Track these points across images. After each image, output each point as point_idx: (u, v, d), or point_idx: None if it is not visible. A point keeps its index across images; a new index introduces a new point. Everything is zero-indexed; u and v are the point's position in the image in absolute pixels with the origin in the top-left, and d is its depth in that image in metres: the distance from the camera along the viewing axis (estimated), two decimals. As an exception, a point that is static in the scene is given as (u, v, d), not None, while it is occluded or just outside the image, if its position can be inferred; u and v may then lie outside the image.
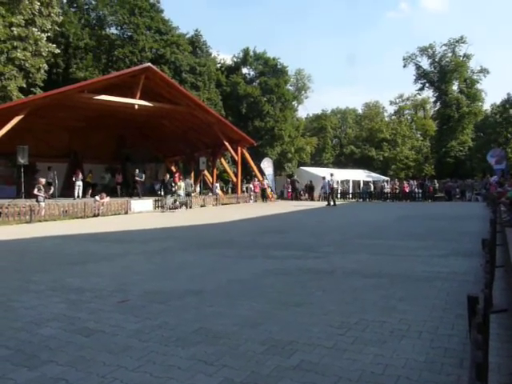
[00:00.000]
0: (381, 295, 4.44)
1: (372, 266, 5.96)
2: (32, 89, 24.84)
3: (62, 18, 27.42)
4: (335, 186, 22.10)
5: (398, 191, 28.90)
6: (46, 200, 15.14)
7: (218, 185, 25.99)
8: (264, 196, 25.87)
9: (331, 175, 22.02)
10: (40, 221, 14.19)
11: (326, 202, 22.72)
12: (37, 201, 14.80)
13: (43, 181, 15.71)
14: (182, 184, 21.76)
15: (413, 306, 4.02)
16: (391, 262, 6.23)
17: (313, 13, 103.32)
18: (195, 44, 38.66)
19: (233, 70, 44.96)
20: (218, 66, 44.27)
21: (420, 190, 28.03)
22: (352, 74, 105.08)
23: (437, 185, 29.96)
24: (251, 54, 45.04)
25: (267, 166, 29.97)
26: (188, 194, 21.22)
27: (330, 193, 22.09)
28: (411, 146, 53.33)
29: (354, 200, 27.85)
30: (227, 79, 42.77)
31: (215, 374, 2.69)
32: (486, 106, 51.97)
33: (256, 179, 27.16)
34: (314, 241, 8.81)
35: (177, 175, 25.88)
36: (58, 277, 5.71)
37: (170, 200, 19.23)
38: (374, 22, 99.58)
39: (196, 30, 40.25)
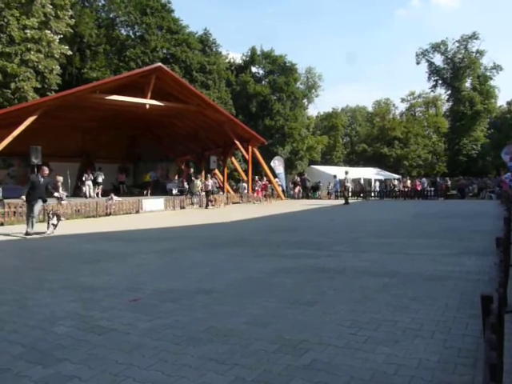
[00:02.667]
0: (393, 294, 4.40)
1: (384, 265, 5.92)
2: (48, 93, 25.12)
3: (74, 20, 27.71)
4: (348, 184, 21.83)
5: (408, 189, 28.63)
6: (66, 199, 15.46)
7: (245, 185, 26.15)
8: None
9: (346, 173, 21.82)
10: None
11: (336, 201, 22.62)
12: (57, 199, 15.06)
13: (61, 179, 15.90)
14: (197, 182, 21.41)
15: (425, 306, 3.98)
16: (403, 261, 6.17)
17: (322, 12, 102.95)
18: (205, 43, 38.79)
19: (242, 69, 45.05)
20: (228, 65, 44.37)
21: (432, 188, 27.75)
22: (362, 71, 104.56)
23: (449, 182, 29.64)
24: (258, 52, 45.05)
25: (278, 164, 29.95)
26: (212, 193, 21.33)
27: (342, 191, 21.98)
28: (423, 144, 52.77)
29: (365, 199, 27.64)
30: (237, 78, 42.85)
31: (226, 373, 2.69)
32: (500, 103, 51.32)
33: (265, 178, 27.23)
34: (325, 239, 8.77)
35: (188, 174, 26.06)
36: (70, 275, 5.77)
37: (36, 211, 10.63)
38: (385, 20, 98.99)
39: (205, 29, 40.45)
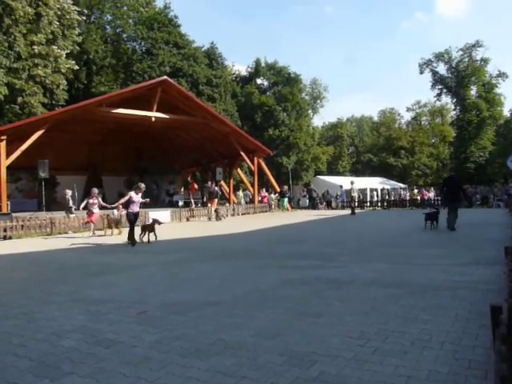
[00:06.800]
0: (401, 305, 4.36)
1: (392, 276, 5.87)
2: (55, 108, 25.45)
3: (81, 37, 28.16)
4: (354, 194, 21.74)
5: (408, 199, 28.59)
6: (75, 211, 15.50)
7: (274, 196, 26.48)
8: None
9: (352, 183, 21.75)
10: (60, 233, 14.43)
11: (342, 211, 22.54)
12: (66, 212, 15.18)
13: (69, 192, 15.99)
14: (240, 193, 25.29)
15: (434, 316, 3.94)
16: (411, 271, 6.12)
17: (327, 24, 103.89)
18: (211, 56, 39.21)
19: (247, 80, 45.44)
20: (233, 77, 44.77)
21: (439, 197, 27.62)
22: (367, 82, 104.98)
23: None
24: (263, 64, 45.48)
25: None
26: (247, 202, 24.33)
27: (349, 201, 21.93)
28: (429, 153, 52.62)
29: (371, 208, 27.51)
30: (242, 89, 43.17)
31: (234, 386, 2.68)
32: (506, 111, 51.20)
33: (264, 189, 27.53)
34: (332, 250, 8.73)
35: (195, 186, 26.25)
36: (78, 288, 5.79)
37: None
38: (390, 32, 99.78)
39: (212, 43, 40.89)
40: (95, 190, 13.97)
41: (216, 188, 19.64)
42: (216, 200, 19.42)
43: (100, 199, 13.92)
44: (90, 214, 13.53)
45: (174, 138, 26.63)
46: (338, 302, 4.60)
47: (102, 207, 13.84)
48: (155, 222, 11.60)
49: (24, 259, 9.29)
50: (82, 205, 13.38)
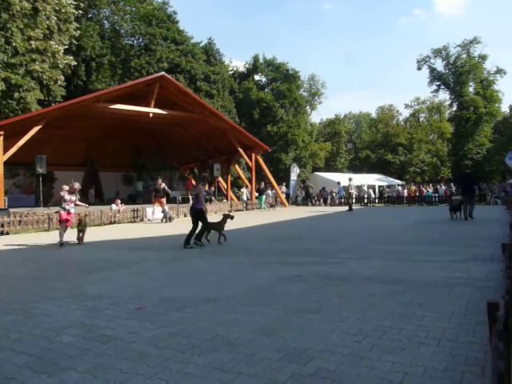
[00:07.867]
0: (398, 302, 4.37)
1: (389, 272, 5.89)
2: (52, 104, 25.37)
3: (79, 32, 27.95)
4: (351, 190, 21.78)
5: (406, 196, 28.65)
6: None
7: (270, 192, 26.60)
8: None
9: (350, 180, 21.78)
10: (57, 229, 14.39)
11: (339, 207, 22.57)
12: (64, 209, 15.03)
13: (67, 187, 15.92)
14: (244, 190, 26.80)
15: (431, 313, 3.95)
16: (409, 268, 6.14)
17: (326, 20, 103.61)
18: (209, 52, 39.09)
19: (245, 76, 45.33)
20: (231, 73, 44.65)
21: (437, 194, 27.70)
22: (365, 79, 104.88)
23: (453, 188, 29.45)
24: (261, 60, 45.37)
25: (294, 171, 30.48)
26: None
27: (347, 197, 21.98)
28: (427, 149, 52.60)
29: (368, 205, 27.54)
30: (239, 86, 43.08)
31: (231, 382, 2.68)
32: (505, 107, 51.23)
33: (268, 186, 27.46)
34: (330, 247, 8.75)
35: (193, 182, 26.20)
36: (75, 284, 5.78)
37: None
38: (388, 28, 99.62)
39: (209, 39, 40.76)
40: (77, 185, 11.05)
41: (163, 185, 17.22)
42: (163, 200, 16.88)
43: (78, 197, 11.06)
44: (66, 213, 10.53)
45: (171, 134, 26.59)
46: (336, 298, 4.61)
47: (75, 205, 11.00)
48: (227, 217, 9.92)
49: (21, 255, 9.27)
50: (66, 197, 10.52)
